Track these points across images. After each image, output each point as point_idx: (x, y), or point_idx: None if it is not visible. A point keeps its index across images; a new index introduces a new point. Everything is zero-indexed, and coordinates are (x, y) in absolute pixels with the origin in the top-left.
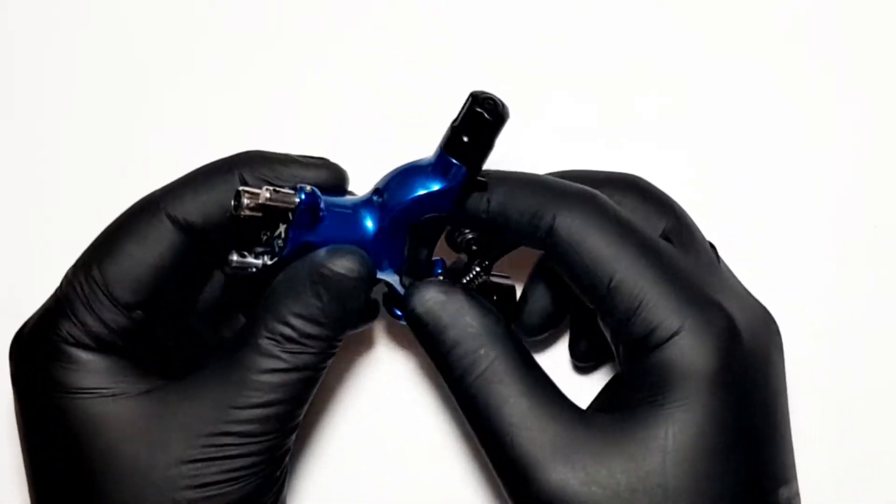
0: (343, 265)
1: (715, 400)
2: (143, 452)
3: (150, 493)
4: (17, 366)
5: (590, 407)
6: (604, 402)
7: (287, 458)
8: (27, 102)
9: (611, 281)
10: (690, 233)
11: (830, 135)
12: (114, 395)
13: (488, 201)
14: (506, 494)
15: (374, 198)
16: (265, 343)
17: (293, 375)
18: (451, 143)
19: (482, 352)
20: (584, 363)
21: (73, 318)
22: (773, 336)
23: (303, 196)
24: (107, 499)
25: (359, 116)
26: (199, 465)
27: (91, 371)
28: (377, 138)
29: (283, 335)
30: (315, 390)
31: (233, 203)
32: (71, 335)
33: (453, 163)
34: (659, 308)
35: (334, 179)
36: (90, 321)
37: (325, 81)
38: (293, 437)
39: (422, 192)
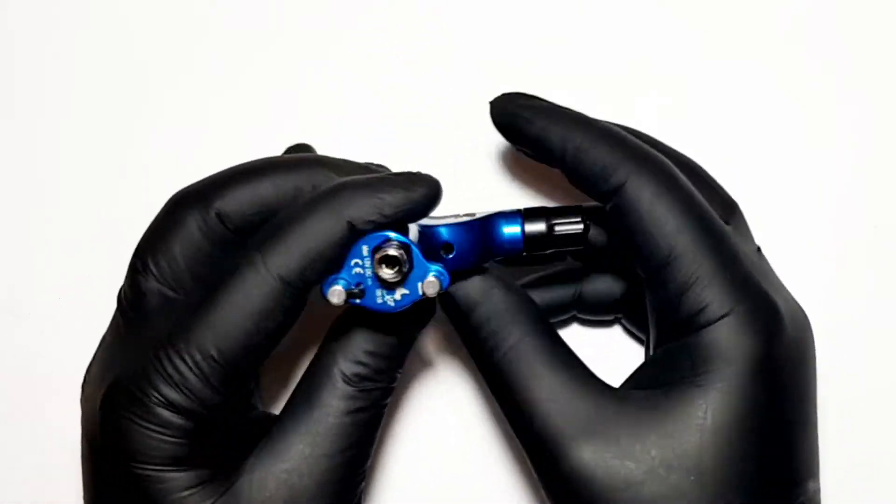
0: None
1: (756, 385)
2: None
3: None
4: (104, 421)
5: (622, 385)
6: (637, 380)
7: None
8: (26, 102)
9: (670, 253)
10: (744, 228)
11: (830, 135)
12: (195, 472)
13: (563, 138)
14: (534, 473)
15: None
16: (341, 384)
17: (368, 414)
18: (536, 239)
19: (511, 328)
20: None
21: (180, 386)
22: (810, 335)
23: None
24: None
25: (359, 116)
26: None
27: (176, 442)
28: (377, 138)
29: (358, 375)
30: (379, 430)
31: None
32: (173, 401)
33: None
34: (713, 287)
35: (435, 199)
36: (201, 390)
37: (325, 81)
38: (363, 483)
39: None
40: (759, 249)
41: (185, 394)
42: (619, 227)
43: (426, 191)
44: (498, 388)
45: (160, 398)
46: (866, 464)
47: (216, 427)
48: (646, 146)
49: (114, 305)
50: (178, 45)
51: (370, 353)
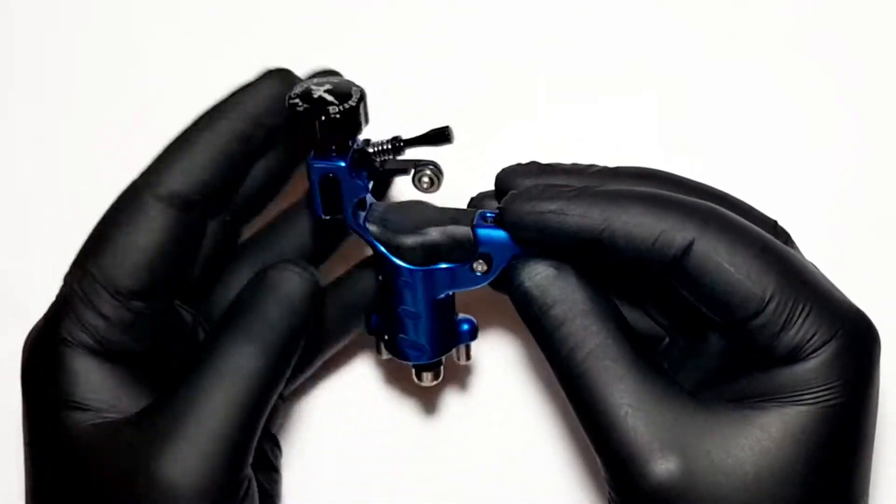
0: (294, 272)
1: (858, 406)
2: (140, 471)
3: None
4: (23, 372)
5: (707, 395)
6: (723, 390)
7: (249, 479)
8: (26, 102)
9: (766, 294)
10: (794, 244)
11: (830, 135)
12: (113, 411)
13: (607, 219)
14: (610, 485)
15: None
16: (231, 349)
17: (252, 378)
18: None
19: (593, 328)
20: None
21: (73, 316)
22: (880, 346)
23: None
24: None
25: None
26: (166, 486)
27: (91, 380)
28: (377, 138)
29: (246, 339)
30: (271, 401)
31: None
32: (73, 336)
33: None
34: (816, 316)
35: (285, 85)
36: (90, 317)
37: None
38: (250, 455)
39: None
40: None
41: (78, 325)
42: (696, 286)
43: (269, 83)
44: (576, 394)
45: (62, 335)
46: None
47: (129, 369)
48: (688, 198)
49: None
50: (178, 45)
51: (255, 320)
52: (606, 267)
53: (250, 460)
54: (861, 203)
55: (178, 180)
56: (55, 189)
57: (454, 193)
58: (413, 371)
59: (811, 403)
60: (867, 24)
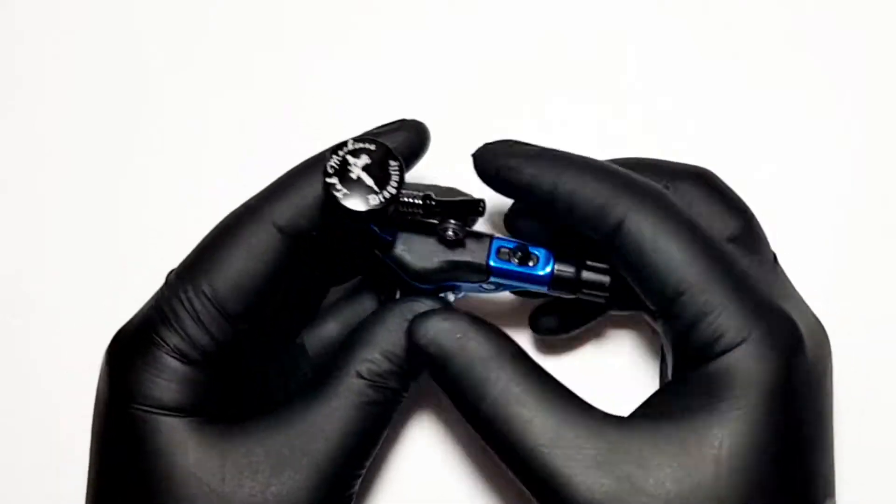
0: (431, 307)
1: (775, 410)
2: (227, 483)
3: None
4: (110, 369)
5: (631, 415)
6: (647, 410)
7: (353, 499)
8: (29, 101)
9: (680, 285)
10: (758, 237)
11: (830, 136)
12: (202, 419)
13: (555, 183)
14: None
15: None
16: (354, 379)
17: (374, 411)
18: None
19: (492, 375)
20: (546, 335)
21: (180, 331)
22: (828, 350)
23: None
24: None
25: (359, 116)
26: (279, 497)
27: (181, 387)
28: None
29: (370, 371)
30: (385, 432)
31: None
32: (171, 343)
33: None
34: (727, 315)
35: (419, 140)
36: (198, 334)
37: (326, 81)
38: (359, 481)
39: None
40: (775, 258)
41: (178, 333)
42: (624, 263)
43: (406, 136)
44: (492, 438)
45: (159, 339)
46: (865, 464)
47: (217, 378)
48: (640, 178)
49: (115, 306)
50: (178, 45)
51: (384, 354)
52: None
53: (358, 484)
54: (861, 204)
55: (295, 213)
56: (58, 190)
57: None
58: None
59: (725, 414)
60: (868, 25)
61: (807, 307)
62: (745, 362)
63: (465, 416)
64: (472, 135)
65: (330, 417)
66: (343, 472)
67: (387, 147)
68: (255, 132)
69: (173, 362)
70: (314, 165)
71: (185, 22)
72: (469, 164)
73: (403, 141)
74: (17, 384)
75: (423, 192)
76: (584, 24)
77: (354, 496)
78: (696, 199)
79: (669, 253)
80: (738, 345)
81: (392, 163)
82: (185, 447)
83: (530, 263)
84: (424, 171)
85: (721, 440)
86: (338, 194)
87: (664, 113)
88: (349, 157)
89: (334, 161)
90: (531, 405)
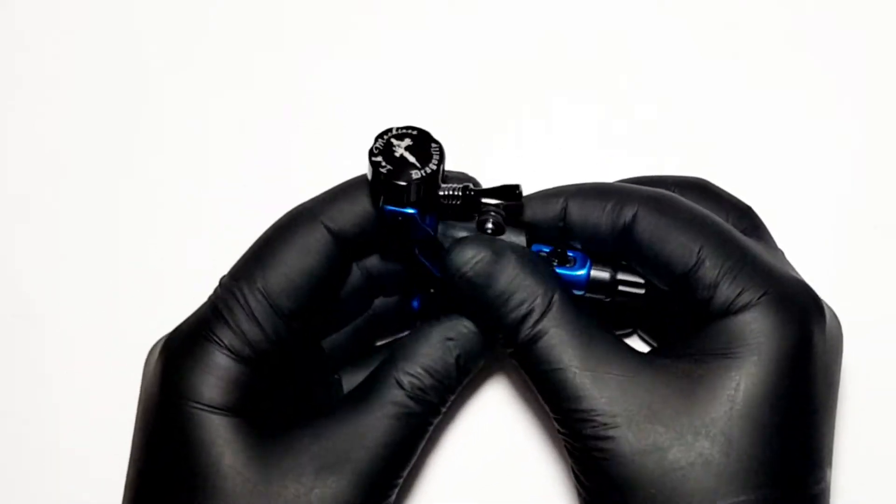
0: (473, 327)
1: (791, 365)
2: (273, 484)
3: None
4: (164, 366)
5: (652, 352)
6: (669, 349)
7: None
8: (32, 105)
9: (698, 252)
10: (765, 233)
11: (830, 136)
12: (250, 419)
13: (565, 209)
14: (567, 446)
15: None
16: (397, 391)
17: (413, 423)
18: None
19: (537, 298)
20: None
21: (232, 323)
22: (841, 335)
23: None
24: None
25: (359, 116)
26: (323, 499)
27: (236, 385)
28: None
29: (412, 384)
30: (423, 443)
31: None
32: (226, 340)
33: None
34: (747, 273)
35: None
36: (251, 329)
37: (326, 81)
38: (396, 490)
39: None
40: (782, 254)
41: (233, 330)
42: (639, 252)
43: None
44: (526, 363)
45: (213, 336)
46: (865, 463)
47: (266, 380)
48: (642, 187)
49: (117, 307)
50: (179, 45)
51: (426, 369)
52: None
53: (395, 494)
54: (861, 204)
55: (346, 220)
56: (69, 189)
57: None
58: None
59: (744, 358)
60: (868, 26)
61: (823, 301)
62: (767, 315)
63: (501, 339)
64: (472, 135)
65: (372, 427)
66: (383, 481)
67: (428, 133)
68: (255, 132)
69: (227, 360)
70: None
71: (185, 22)
72: (468, 163)
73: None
74: (18, 384)
75: (462, 183)
76: (584, 25)
77: None
78: (700, 204)
79: (684, 227)
80: (759, 298)
81: (433, 145)
82: (233, 446)
83: (568, 265)
84: None
85: (738, 382)
86: (383, 170)
87: (664, 113)
88: (393, 140)
89: (379, 143)
90: (570, 329)
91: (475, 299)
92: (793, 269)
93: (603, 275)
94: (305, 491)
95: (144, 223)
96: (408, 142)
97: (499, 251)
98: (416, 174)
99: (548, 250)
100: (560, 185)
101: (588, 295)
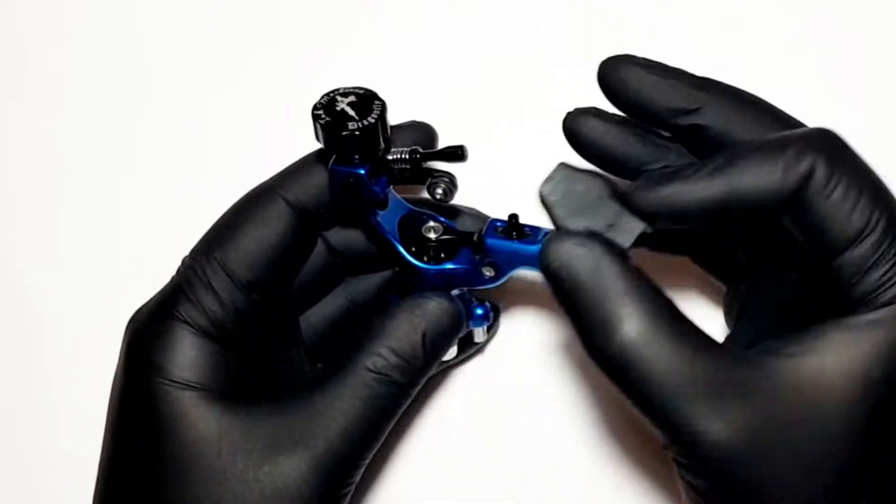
0: (442, 305)
1: None
2: (223, 458)
3: (220, 498)
4: (128, 344)
5: (758, 352)
6: (775, 347)
7: (352, 492)
8: (30, 106)
9: (863, 230)
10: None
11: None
12: (216, 397)
13: (728, 185)
14: (675, 453)
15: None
16: (361, 371)
17: (379, 405)
18: None
19: (629, 306)
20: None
21: (192, 298)
22: None
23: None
24: (175, 496)
25: None
26: (272, 477)
27: (200, 360)
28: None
29: (377, 364)
30: (389, 427)
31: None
32: (188, 316)
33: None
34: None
35: (428, 140)
36: (210, 301)
37: (326, 81)
38: (362, 470)
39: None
40: None
41: (193, 303)
42: (805, 216)
43: (416, 134)
44: (619, 374)
45: (175, 313)
46: None
47: (231, 355)
48: (796, 131)
49: (117, 307)
50: (179, 45)
51: (391, 348)
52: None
53: (359, 476)
54: None
55: (303, 192)
56: (69, 189)
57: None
58: None
59: (874, 362)
60: (869, 27)
61: None
62: None
63: (589, 352)
64: (472, 135)
65: (332, 407)
66: (342, 463)
67: (374, 93)
68: (255, 132)
69: (189, 335)
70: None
71: (185, 22)
72: (468, 162)
73: (409, 139)
74: (18, 384)
75: (411, 146)
76: (584, 25)
77: (353, 488)
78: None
79: (858, 197)
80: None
81: (376, 102)
82: (196, 421)
83: (525, 238)
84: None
85: (869, 385)
86: (321, 122)
87: None
88: (338, 97)
89: (323, 99)
90: (666, 337)
91: (566, 297)
92: None
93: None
94: (254, 467)
95: (144, 223)
96: (351, 98)
97: (598, 255)
98: (353, 125)
99: (502, 224)
100: (707, 79)
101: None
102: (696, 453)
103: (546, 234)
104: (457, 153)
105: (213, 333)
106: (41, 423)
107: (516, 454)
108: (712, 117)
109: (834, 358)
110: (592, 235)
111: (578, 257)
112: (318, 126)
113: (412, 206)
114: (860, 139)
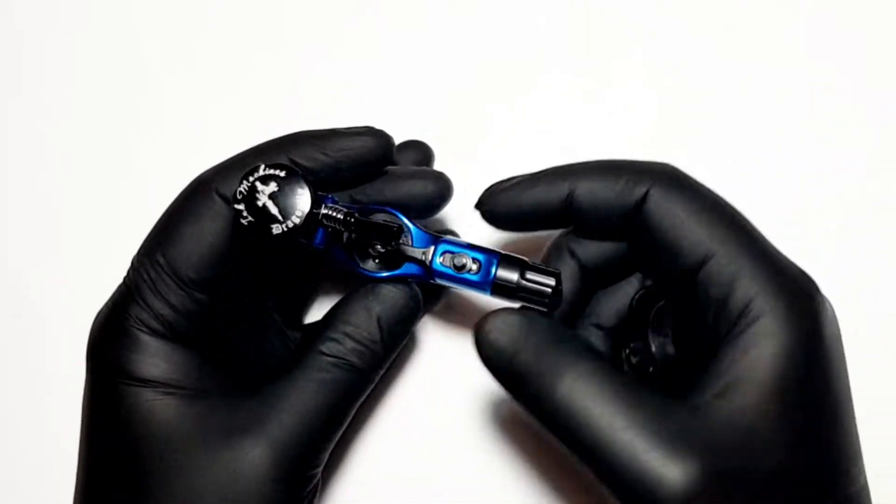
0: (397, 288)
1: (806, 358)
2: (180, 452)
3: (192, 495)
4: (90, 351)
5: (685, 394)
6: (697, 386)
7: (317, 479)
8: (28, 105)
9: (712, 244)
10: None
11: (831, 138)
12: (174, 392)
13: (571, 190)
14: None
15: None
16: (317, 356)
17: (337, 389)
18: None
19: (566, 361)
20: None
21: (141, 302)
22: (838, 324)
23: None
24: (151, 493)
25: (359, 116)
26: (227, 462)
27: (156, 360)
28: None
29: (332, 349)
30: (351, 412)
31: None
32: (140, 319)
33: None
34: (755, 281)
35: (382, 147)
36: (157, 304)
37: (326, 81)
38: (325, 455)
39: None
40: None
41: (140, 306)
42: (652, 232)
43: (370, 140)
44: (563, 430)
45: (126, 315)
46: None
47: (194, 351)
48: (649, 161)
49: None
50: (179, 44)
51: (346, 333)
52: (576, 230)
53: (322, 463)
54: (862, 205)
55: (235, 188)
56: (69, 189)
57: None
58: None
59: (762, 367)
60: (869, 28)
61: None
62: (776, 326)
63: (533, 409)
64: (472, 135)
65: (289, 392)
66: (302, 449)
67: (297, 173)
68: (256, 132)
69: (143, 336)
70: (264, 149)
71: (184, 22)
72: (469, 163)
73: (364, 147)
74: (18, 384)
75: (348, 208)
76: (584, 25)
77: (319, 472)
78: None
79: (700, 214)
80: (767, 310)
81: (300, 191)
82: (147, 417)
83: (469, 271)
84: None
85: (763, 397)
86: (243, 221)
87: (664, 112)
88: (258, 184)
89: (243, 187)
90: (606, 388)
91: (496, 373)
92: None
93: (511, 276)
94: (211, 457)
95: (144, 223)
96: (273, 187)
97: (528, 324)
98: (276, 229)
99: (455, 250)
100: (565, 164)
101: (496, 297)
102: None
103: (495, 260)
104: (390, 233)
105: (166, 334)
106: (41, 422)
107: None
108: (580, 193)
109: (749, 385)
110: (514, 310)
111: (512, 327)
112: (241, 225)
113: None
114: (860, 139)
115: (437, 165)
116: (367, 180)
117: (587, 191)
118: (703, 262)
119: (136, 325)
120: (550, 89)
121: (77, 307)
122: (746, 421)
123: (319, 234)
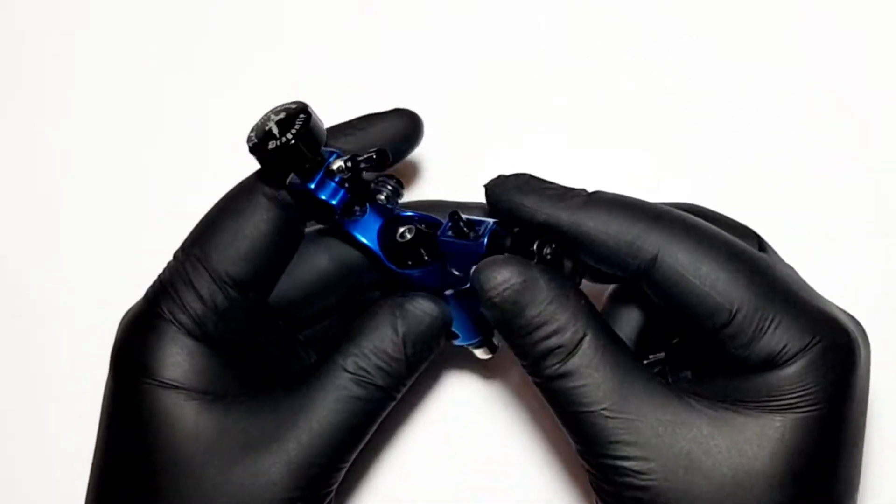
0: (424, 306)
1: (838, 411)
2: (198, 459)
3: (203, 500)
4: (117, 344)
5: (684, 390)
6: (705, 385)
7: (331, 497)
8: (30, 105)
9: (732, 308)
10: (773, 253)
11: (831, 135)
12: (195, 397)
13: (576, 225)
14: (594, 485)
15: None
16: (339, 372)
17: (359, 407)
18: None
19: (568, 331)
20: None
21: (173, 294)
22: (869, 350)
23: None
24: (162, 493)
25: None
26: (243, 478)
27: (180, 358)
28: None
29: (356, 365)
30: (371, 431)
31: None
32: (172, 315)
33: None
34: (786, 327)
35: (412, 126)
36: (189, 297)
37: (326, 81)
38: (341, 474)
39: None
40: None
41: (176, 302)
42: (665, 296)
43: (399, 122)
44: (554, 398)
45: (160, 311)
46: (866, 464)
47: (222, 355)
48: (664, 206)
49: (117, 307)
50: (179, 44)
51: (371, 350)
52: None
53: (338, 482)
54: (862, 205)
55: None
56: (69, 189)
57: (450, 188)
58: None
59: (788, 411)
60: (870, 29)
61: (845, 312)
62: (810, 368)
63: (530, 372)
64: (472, 135)
65: (307, 408)
66: (316, 465)
67: (304, 106)
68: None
69: (173, 333)
70: None
71: (184, 22)
72: (469, 163)
73: (393, 127)
74: (18, 384)
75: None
76: (584, 25)
77: (333, 493)
78: None
79: (715, 275)
80: (801, 351)
81: (301, 116)
82: (169, 420)
83: (468, 236)
84: (428, 169)
85: (784, 434)
86: (249, 142)
87: (664, 112)
88: (271, 115)
89: (260, 120)
90: (602, 365)
91: (502, 325)
92: (811, 288)
93: (506, 242)
94: (227, 468)
95: (144, 223)
96: (282, 115)
97: (531, 278)
98: (272, 144)
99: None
100: (581, 189)
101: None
102: (616, 490)
103: (490, 228)
104: (384, 156)
105: (195, 332)
106: (40, 422)
107: (509, 462)
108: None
109: (754, 418)
110: (523, 260)
111: (517, 285)
112: (248, 146)
113: (398, 210)
114: (860, 139)
115: (438, 165)
116: (399, 159)
117: (591, 237)
118: (724, 324)
119: (167, 321)
120: (550, 89)
121: (77, 307)
122: (754, 440)
123: (331, 190)
